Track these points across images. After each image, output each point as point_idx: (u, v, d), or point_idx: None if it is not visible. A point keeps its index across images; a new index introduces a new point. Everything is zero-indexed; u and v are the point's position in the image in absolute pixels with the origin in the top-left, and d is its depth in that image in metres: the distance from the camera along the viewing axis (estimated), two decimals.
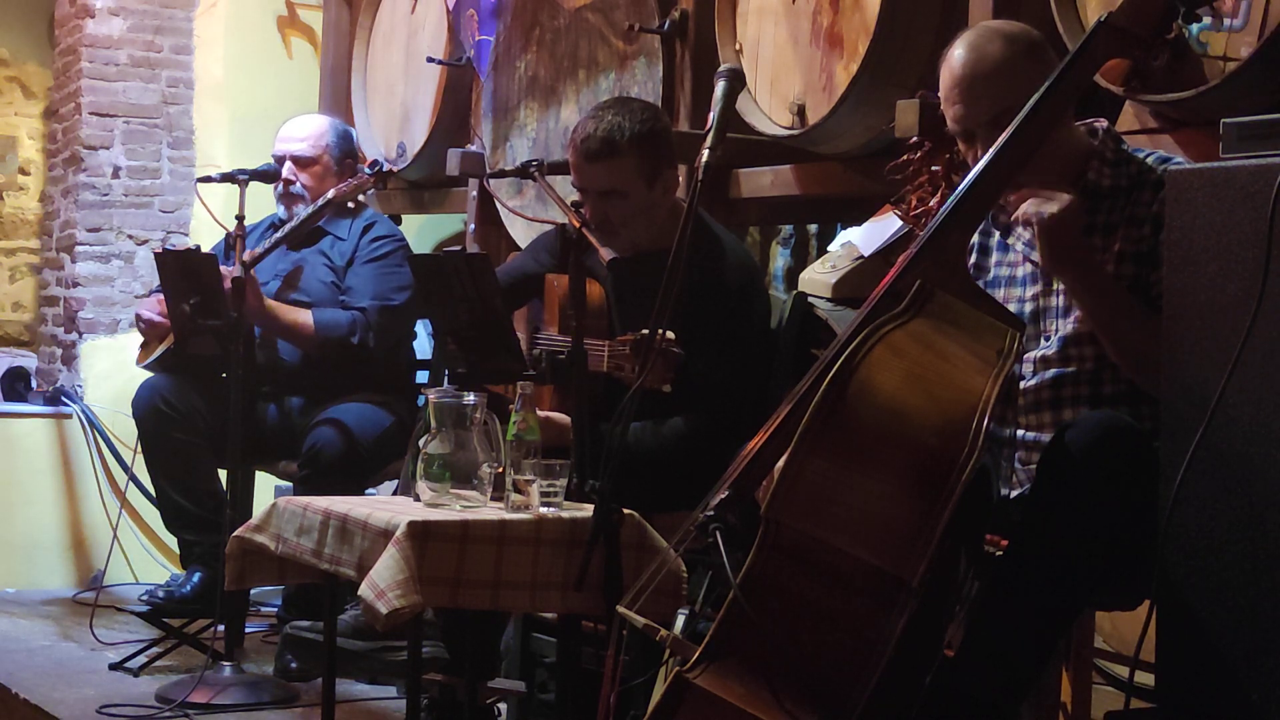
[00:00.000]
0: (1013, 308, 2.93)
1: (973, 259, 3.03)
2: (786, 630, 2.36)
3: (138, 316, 4.79)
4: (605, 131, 3.54)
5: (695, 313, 3.41)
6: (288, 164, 4.76)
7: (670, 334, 3.03)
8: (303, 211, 4.66)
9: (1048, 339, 2.89)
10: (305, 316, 4.53)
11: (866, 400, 2.41)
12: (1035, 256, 2.90)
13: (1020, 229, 2.95)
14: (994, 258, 3.03)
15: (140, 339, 4.88)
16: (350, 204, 4.77)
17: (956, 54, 2.88)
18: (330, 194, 4.61)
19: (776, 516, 2.38)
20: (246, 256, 4.30)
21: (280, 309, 4.52)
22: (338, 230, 4.74)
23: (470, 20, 4.97)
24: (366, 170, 4.70)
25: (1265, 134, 2.43)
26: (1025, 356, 2.90)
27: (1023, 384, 2.89)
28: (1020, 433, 2.90)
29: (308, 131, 4.83)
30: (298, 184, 4.75)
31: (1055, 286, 2.89)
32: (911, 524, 2.33)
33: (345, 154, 4.86)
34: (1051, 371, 2.87)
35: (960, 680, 2.62)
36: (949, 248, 2.69)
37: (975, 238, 3.02)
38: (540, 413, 3.22)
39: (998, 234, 3.03)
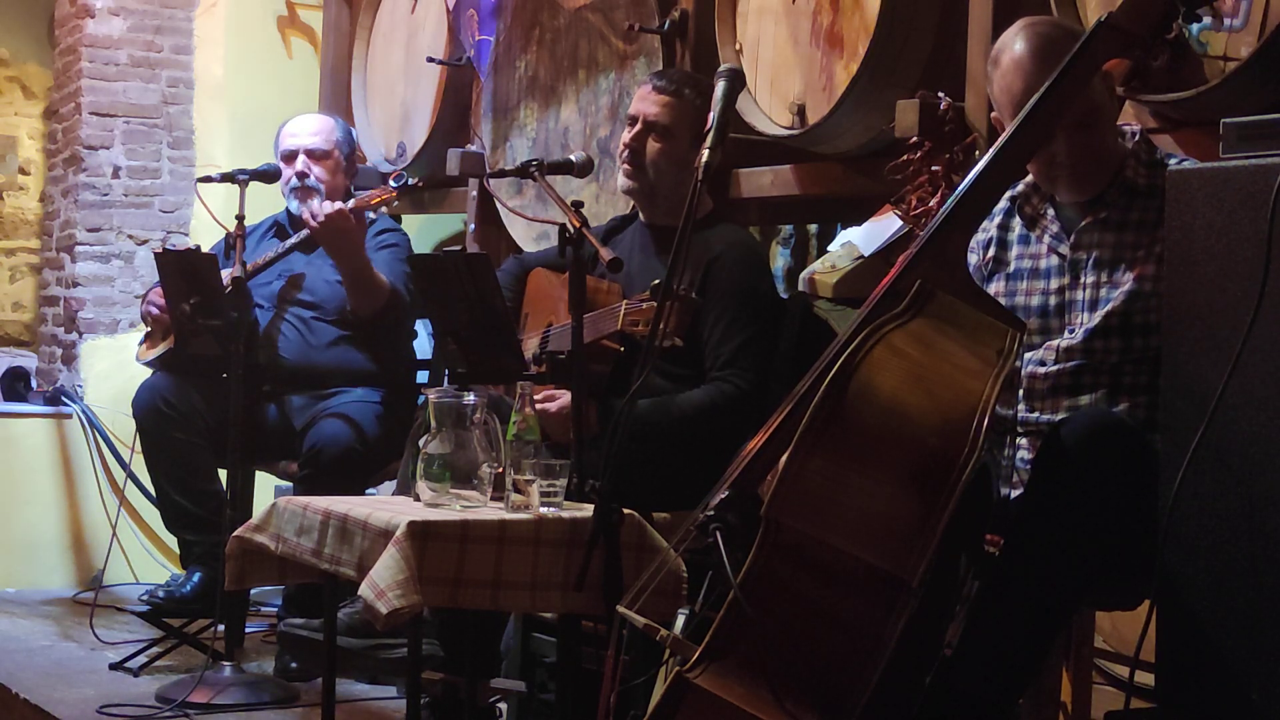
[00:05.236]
0: (1035, 300, 2.94)
1: (990, 253, 3.03)
2: (787, 630, 2.36)
3: (145, 305, 4.77)
4: (681, 74, 3.83)
5: (710, 279, 3.43)
6: (301, 157, 4.73)
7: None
8: (316, 204, 4.63)
9: (1072, 331, 2.89)
10: (383, 276, 4.55)
11: (866, 400, 2.41)
12: (1063, 249, 2.91)
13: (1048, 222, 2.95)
14: (1014, 250, 3.02)
15: (142, 332, 4.87)
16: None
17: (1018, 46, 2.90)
18: (351, 203, 4.57)
19: (776, 516, 2.38)
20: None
21: (368, 259, 4.54)
22: None
23: (470, 20, 4.97)
24: (393, 183, 4.65)
25: (1265, 134, 2.43)
26: (1048, 344, 2.90)
27: (1042, 369, 2.89)
28: (1035, 415, 2.90)
29: (318, 126, 4.82)
30: (312, 176, 4.73)
31: (1082, 280, 2.90)
32: (911, 524, 2.33)
33: (351, 151, 4.88)
34: (1074, 362, 2.86)
35: (956, 678, 2.63)
36: (949, 248, 2.69)
37: (993, 231, 3.03)
38: (540, 403, 3.22)
39: (1018, 226, 3.03)
